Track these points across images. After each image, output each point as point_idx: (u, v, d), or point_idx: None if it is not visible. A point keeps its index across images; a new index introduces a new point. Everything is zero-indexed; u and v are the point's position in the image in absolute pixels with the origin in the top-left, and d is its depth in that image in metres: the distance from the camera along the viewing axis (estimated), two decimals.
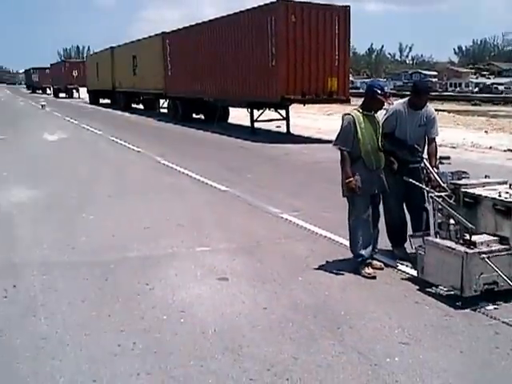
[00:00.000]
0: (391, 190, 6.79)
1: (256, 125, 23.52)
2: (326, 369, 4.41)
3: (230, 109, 28.44)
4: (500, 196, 5.79)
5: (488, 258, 5.55)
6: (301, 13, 20.33)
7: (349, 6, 21.30)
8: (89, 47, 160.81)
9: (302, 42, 20.44)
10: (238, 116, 28.14)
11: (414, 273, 6.43)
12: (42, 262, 7.07)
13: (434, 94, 50.79)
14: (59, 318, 5.42)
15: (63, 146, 20.29)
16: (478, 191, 6.08)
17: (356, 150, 6.46)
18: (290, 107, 23.10)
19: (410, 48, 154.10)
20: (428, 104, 7.07)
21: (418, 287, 6.13)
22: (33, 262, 7.11)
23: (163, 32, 32.21)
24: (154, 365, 4.51)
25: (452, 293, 5.73)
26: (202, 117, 30.38)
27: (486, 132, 23.93)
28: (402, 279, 6.44)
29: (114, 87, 43.69)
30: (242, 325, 5.24)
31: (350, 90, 23.99)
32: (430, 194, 6.36)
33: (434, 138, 7.06)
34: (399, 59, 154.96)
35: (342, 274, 6.55)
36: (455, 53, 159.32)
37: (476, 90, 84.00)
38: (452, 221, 6.08)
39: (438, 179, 6.45)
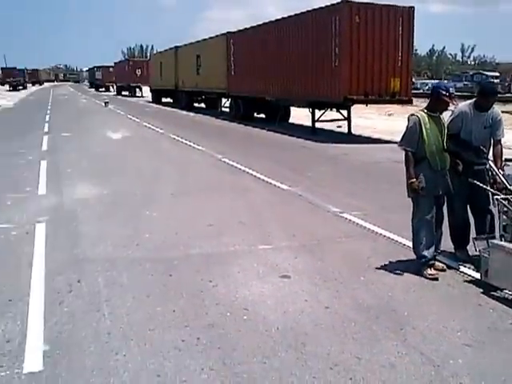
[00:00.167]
0: (456, 192, 6.74)
1: (316, 125, 23.47)
2: (389, 369, 4.42)
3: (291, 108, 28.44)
4: None
5: None
6: (365, 13, 20.23)
7: (413, 7, 21.06)
8: (152, 46, 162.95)
9: (365, 42, 20.33)
10: (298, 116, 28.14)
11: (477, 275, 6.38)
12: (106, 258, 7.21)
13: None
14: (123, 314, 5.51)
15: (126, 144, 20.58)
16: None
17: (421, 151, 6.45)
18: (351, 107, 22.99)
19: (473, 49, 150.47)
20: (494, 106, 6.99)
21: (481, 290, 6.07)
22: (97, 257, 7.24)
23: (228, 32, 32.34)
24: (217, 360, 4.57)
25: None
26: (263, 116, 30.47)
27: None
28: (465, 281, 6.38)
29: (177, 86, 44.02)
30: (304, 323, 5.28)
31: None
32: (495, 197, 6.30)
33: (500, 140, 6.95)
34: (461, 60, 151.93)
35: (405, 275, 6.53)
36: None
37: None
38: None
39: (504, 181, 6.37)
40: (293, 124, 27.99)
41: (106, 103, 44.86)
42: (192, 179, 13.10)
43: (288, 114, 28.81)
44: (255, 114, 30.66)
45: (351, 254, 7.34)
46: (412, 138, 6.50)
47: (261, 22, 28.16)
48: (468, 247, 7.07)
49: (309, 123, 24.20)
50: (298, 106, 25.65)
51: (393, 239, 7.93)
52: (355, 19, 20.06)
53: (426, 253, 6.54)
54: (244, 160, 15.19)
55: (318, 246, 7.73)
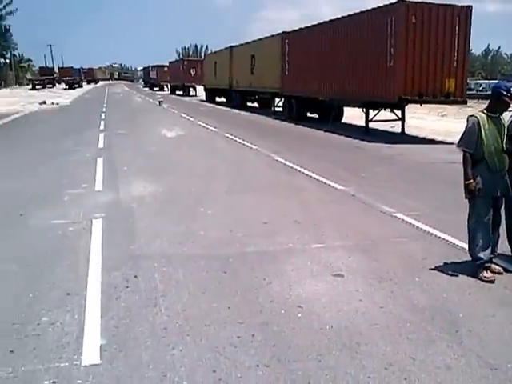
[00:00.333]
0: None
1: (370, 125, 23.35)
2: (444, 370, 4.40)
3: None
4: None
5: None
6: (421, 13, 19.98)
7: (471, 6, 20.67)
8: (207, 46, 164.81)
9: (421, 42, 20.10)
10: (351, 116, 28.04)
11: None
12: (162, 254, 7.31)
13: None
14: (179, 309, 5.60)
15: (181, 142, 20.77)
16: None
17: (479, 152, 6.38)
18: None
19: None
20: None
21: None
22: (153, 254, 7.35)
23: (283, 32, 32.37)
24: (272, 357, 4.62)
25: None
26: (316, 116, 30.40)
27: None
28: None
29: (231, 86, 44.29)
30: (359, 323, 5.29)
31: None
32: None
33: None
34: None
35: (460, 277, 6.46)
36: None
37: None
38: None
39: None
40: (345, 124, 27.87)
41: (160, 102, 45.32)
42: (246, 178, 13.16)
43: (341, 114, 28.72)
44: (308, 114, 30.61)
45: (406, 255, 7.30)
46: (470, 138, 6.44)
47: (315, 23, 28.09)
48: None
49: (361, 123, 24.12)
50: (352, 106, 25.53)
51: (448, 240, 7.84)
52: (411, 19, 19.85)
53: (482, 255, 6.46)
54: (298, 159, 15.21)
55: (372, 246, 7.70)
